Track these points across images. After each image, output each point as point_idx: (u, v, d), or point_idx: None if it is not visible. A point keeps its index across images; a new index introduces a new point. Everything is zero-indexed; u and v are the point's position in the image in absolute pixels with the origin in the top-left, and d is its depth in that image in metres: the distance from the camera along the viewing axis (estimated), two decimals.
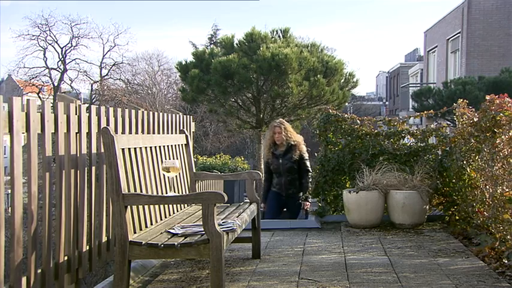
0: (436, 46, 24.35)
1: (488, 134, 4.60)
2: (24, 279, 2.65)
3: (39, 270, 2.78)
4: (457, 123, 5.66)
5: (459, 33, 21.01)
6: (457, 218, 5.26)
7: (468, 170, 4.96)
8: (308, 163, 6.03)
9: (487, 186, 4.56)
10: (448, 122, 11.40)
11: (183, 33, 74.35)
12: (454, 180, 5.34)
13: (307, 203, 6.04)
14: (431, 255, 4.18)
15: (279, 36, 15.79)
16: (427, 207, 5.51)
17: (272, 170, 6.04)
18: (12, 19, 69.43)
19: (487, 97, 4.77)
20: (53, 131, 2.93)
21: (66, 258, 3.04)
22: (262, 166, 6.74)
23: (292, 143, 5.93)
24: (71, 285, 3.14)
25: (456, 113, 5.54)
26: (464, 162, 5.01)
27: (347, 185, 6.03)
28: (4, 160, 2.53)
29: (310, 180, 6.04)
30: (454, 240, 4.74)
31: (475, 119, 4.89)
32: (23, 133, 2.67)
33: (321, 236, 5.15)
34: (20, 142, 2.64)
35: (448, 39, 22.37)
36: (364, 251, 4.41)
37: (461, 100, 5.56)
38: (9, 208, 2.67)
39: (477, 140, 4.79)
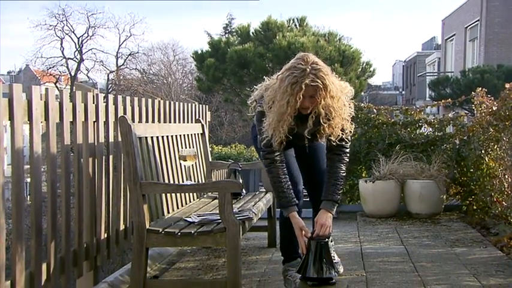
0: (454, 34, 24.04)
1: (507, 123, 4.53)
2: (44, 266, 2.69)
3: (58, 257, 2.82)
4: (475, 112, 5.60)
5: (478, 21, 20.70)
6: (475, 207, 5.21)
7: (486, 159, 4.91)
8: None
9: (506, 176, 4.51)
10: (466, 111, 11.26)
11: (198, 23, 74.23)
12: (471, 170, 5.29)
13: None
14: (449, 244, 4.16)
15: (296, 25, 15.71)
16: (444, 197, 5.47)
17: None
18: (30, 9, 69.90)
19: (507, 85, 4.70)
20: (71, 120, 2.95)
21: (84, 245, 3.08)
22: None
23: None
24: (89, 272, 3.18)
25: (474, 101, 5.47)
26: (483, 151, 4.96)
27: (363, 175, 6.00)
28: (23, 149, 2.56)
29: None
30: (471, 230, 4.70)
31: (494, 108, 4.83)
32: (42, 122, 2.69)
33: (336, 225, 5.13)
34: (39, 131, 2.66)
35: (467, 27, 22.06)
36: (380, 240, 4.40)
37: (480, 89, 5.49)
38: (28, 196, 2.71)
39: (496, 129, 4.73)
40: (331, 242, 2.92)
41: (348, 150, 2.98)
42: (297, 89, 2.64)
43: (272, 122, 2.76)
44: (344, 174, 2.99)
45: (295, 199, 2.92)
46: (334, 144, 2.88)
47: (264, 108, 2.84)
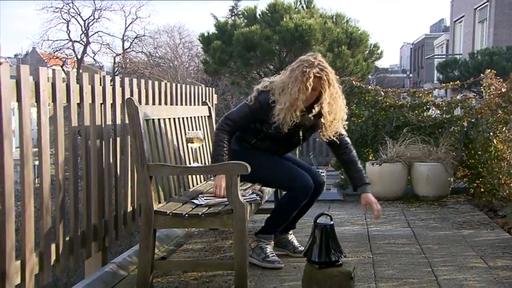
0: (463, 16, 23.76)
1: None
2: (53, 246, 2.71)
3: (67, 238, 2.84)
4: (484, 94, 5.56)
5: (487, 2, 20.44)
6: (482, 190, 5.20)
7: (495, 141, 4.88)
8: None
9: None
10: (474, 94, 11.19)
11: (204, 5, 73.67)
12: (479, 152, 5.27)
13: None
14: (456, 227, 4.16)
15: (303, 7, 15.57)
16: (452, 179, 5.46)
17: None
18: None
19: None
20: (78, 102, 2.95)
21: (93, 227, 3.10)
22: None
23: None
24: (97, 253, 3.21)
25: (483, 83, 5.43)
26: (491, 133, 4.93)
27: (370, 157, 5.99)
28: (31, 132, 2.56)
29: None
30: (478, 213, 4.70)
31: (503, 90, 4.80)
32: (49, 104, 2.69)
33: (343, 208, 5.15)
34: (47, 112, 2.66)
35: (476, 8, 21.79)
36: (387, 222, 4.40)
37: (489, 70, 5.44)
38: (37, 179, 2.72)
39: (505, 111, 4.71)
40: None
41: (349, 140, 3.39)
42: (305, 77, 3.00)
43: (285, 106, 3.02)
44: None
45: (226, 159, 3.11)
46: (337, 140, 3.25)
47: (272, 95, 3.09)
